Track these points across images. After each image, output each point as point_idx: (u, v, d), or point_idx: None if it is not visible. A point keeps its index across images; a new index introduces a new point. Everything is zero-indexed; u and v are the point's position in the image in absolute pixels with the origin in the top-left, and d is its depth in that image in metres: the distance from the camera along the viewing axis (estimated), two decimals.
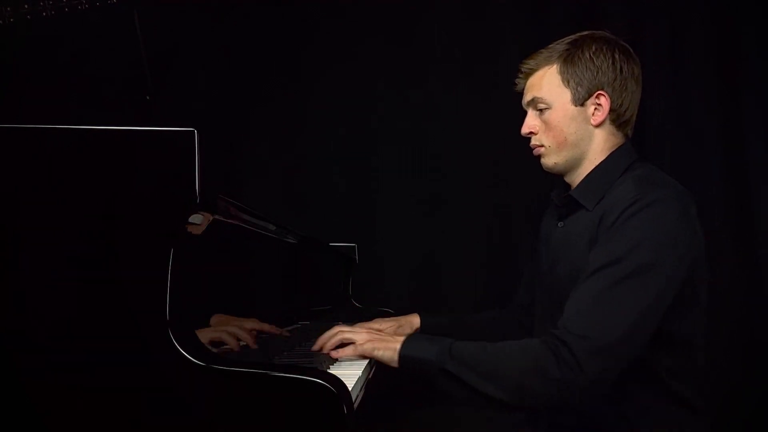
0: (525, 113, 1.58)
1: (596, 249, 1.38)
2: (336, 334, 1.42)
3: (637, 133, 2.48)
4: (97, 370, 1.01)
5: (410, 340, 1.40)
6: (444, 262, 2.63)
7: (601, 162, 1.51)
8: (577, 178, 1.54)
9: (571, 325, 1.30)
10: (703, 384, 1.49)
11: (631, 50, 1.53)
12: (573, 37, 1.54)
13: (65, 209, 1.03)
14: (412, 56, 2.67)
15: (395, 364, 1.38)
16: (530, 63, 1.56)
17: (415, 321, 1.83)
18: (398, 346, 1.38)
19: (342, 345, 1.42)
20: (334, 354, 1.40)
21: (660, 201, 1.36)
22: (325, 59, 2.70)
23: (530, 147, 1.58)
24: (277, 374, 1.00)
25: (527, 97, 1.56)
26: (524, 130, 1.57)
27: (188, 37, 2.58)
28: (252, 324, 1.38)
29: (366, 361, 1.42)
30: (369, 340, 1.39)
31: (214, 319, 1.26)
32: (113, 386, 1.01)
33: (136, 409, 1.01)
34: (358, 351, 1.38)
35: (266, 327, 1.43)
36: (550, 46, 1.55)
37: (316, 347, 1.43)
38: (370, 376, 1.42)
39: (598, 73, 1.48)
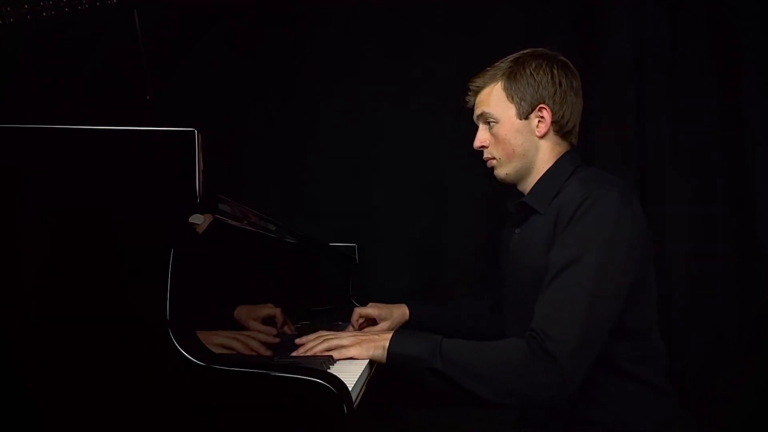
0: (477, 128, 1.68)
1: (554, 250, 1.44)
2: (322, 341, 1.45)
3: (637, 135, 2.51)
4: (98, 369, 1.01)
5: (398, 337, 1.45)
6: (444, 263, 2.63)
7: (549, 168, 1.60)
8: (528, 185, 1.63)
9: (546, 327, 1.36)
10: (668, 369, 1.55)
11: (570, 65, 1.63)
12: (515, 55, 1.64)
13: (65, 209, 1.03)
14: (413, 58, 2.67)
15: (384, 362, 1.43)
16: (477, 81, 1.66)
17: (405, 311, 1.92)
18: (386, 343, 1.43)
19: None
20: (321, 355, 1.42)
21: (604, 198, 1.43)
22: (326, 59, 2.70)
23: (483, 160, 1.68)
24: (277, 374, 1.00)
25: (477, 112, 1.67)
26: (476, 144, 1.67)
27: (188, 37, 2.58)
28: (269, 311, 1.40)
29: (366, 361, 1.42)
30: (357, 342, 1.44)
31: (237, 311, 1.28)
32: (113, 386, 1.01)
33: (137, 408, 1.01)
34: (343, 354, 1.42)
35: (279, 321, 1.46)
36: (495, 64, 1.65)
37: (300, 351, 1.43)
38: (370, 376, 1.42)
39: (538, 87, 1.58)
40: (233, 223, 1.23)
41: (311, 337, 1.47)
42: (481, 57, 1.71)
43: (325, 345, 1.44)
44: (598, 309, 1.38)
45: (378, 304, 1.91)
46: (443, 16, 2.66)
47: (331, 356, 1.41)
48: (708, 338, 2.40)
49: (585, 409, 1.45)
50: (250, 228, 1.36)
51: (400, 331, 1.48)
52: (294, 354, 1.42)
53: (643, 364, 1.49)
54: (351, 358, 1.41)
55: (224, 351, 1.24)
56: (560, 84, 1.58)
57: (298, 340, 1.47)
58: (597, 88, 2.42)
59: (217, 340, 1.20)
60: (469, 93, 1.68)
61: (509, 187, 1.69)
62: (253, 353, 1.30)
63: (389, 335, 1.45)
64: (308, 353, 1.42)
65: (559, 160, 1.60)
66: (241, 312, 1.36)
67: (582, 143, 1.69)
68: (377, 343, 1.43)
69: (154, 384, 1.00)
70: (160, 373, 1.00)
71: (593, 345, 1.38)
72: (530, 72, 1.58)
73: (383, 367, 1.45)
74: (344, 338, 1.46)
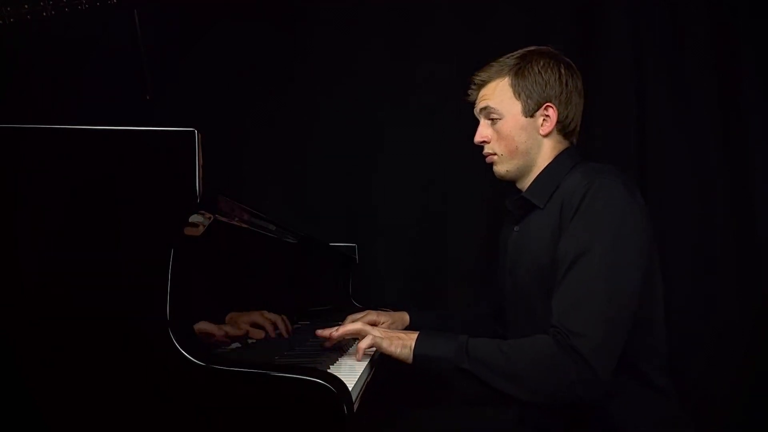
0: (477, 123, 1.66)
1: (563, 242, 1.43)
2: (355, 321, 1.49)
3: (637, 135, 2.51)
4: (98, 369, 1.01)
5: (424, 338, 1.43)
6: (444, 263, 2.63)
7: (549, 164, 1.59)
8: (526, 183, 1.62)
9: (568, 323, 1.34)
10: (667, 369, 1.53)
11: (573, 65, 1.62)
12: (521, 51, 1.62)
13: (65, 209, 1.03)
14: (413, 58, 2.68)
15: (410, 362, 1.42)
16: (482, 75, 1.64)
17: (405, 318, 1.88)
18: (413, 343, 1.42)
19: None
20: (360, 346, 1.44)
21: (608, 186, 1.42)
22: (327, 59, 2.70)
23: (483, 155, 1.66)
24: (277, 374, 1.00)
25: (480, 105, 1.65)
26: (477, 138, 1.65)
27: (188, 37, 2.58)
28: (258, 318, 1.39)
29: (366, 362, 1.42)
30: (385, 337, 1.44)
31: (228, 317, 1.27)
32: (114, 386, 1.01)
33: (137, 408, 1.01)
34: (376, 342, 1.42)
35: (269, 323, 1.45)
36: (500, 59, 1.63)
37: (336, 332, 1.47)
38: (370, 376, 1.42)
39: (546, 86, 1.57)
40: (233, 222, 1.23)
41: (346, 327, 1.49)
42: (481, 57, 1.71)
43: (360, 326, 1.47)
44: (617, 298, 1.36)
45: (376, 311, 1.87)
46: (443, 16, 2.66)
47: (331, 356, 1.41)
48: (708, 338, 2.40)
49: (584, 409, 1.45)
50: (250, 228, 1.36)
51: (426, 332, 1.46)
52: (330, 333, 1.47)
53: (644, 360, 1.47)
54: (376, 347, 1.43)
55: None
56: (566, 84, 1.57)
57: (319, 332, 1.50)
58: (597, 88, 2.42)
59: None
60: (473, 87, 1.66)
61: (508, 185, 1.69)
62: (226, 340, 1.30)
63: (415, 335, 1.43)
64: (342, 331, 1.46)
65: (558, 156, 1.59)
66: (231, 319, 1.35)
67: (582, 143, 1.69)
68: (404, 342, 1.42)
69: (154, 384, 1.00)
70: (160, 373, 1.00)
71: (618, 335, 1.36)
72: (538, 70, 1.57)
73: (384, 367, 1.45)
74: (374, 328, 1.47)
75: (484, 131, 1.63)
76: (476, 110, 1.66)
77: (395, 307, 2.21)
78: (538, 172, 1.60)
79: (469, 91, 1.67)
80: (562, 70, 1.58)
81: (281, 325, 1.51)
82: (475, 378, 1.37)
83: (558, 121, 1.58)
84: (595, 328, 1.33)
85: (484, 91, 1.63)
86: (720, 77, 2.46)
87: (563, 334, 1.33)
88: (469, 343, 1.39)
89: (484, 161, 1.66)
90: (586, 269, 1.37)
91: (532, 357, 1.36)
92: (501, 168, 1.63)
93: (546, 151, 1.60)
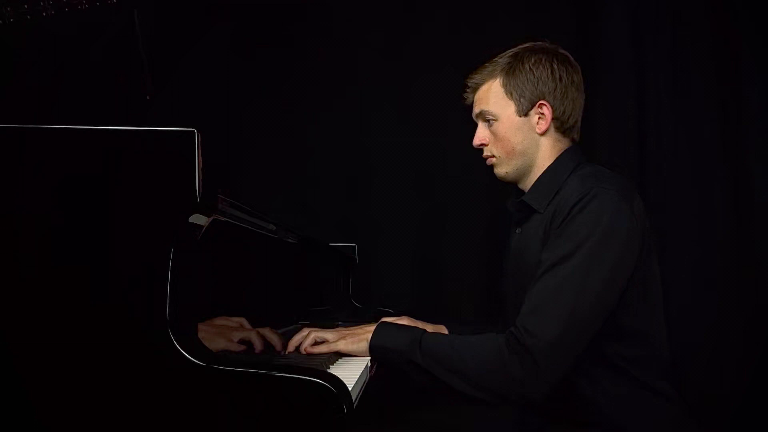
0: (476, 125, 1.65)
1: (546, 247, 1.43)
2: (309, 334, 1.45)
3: (637, 135, 2.51)
4: (97, 370, 1.01)
5: (381, 330, 1.45)
6: (444, 262, 2.63)
7: (549, 166, 1.58)
8: (528, 183, 1.61)
9: (526, 323, 1.36)
10: (669, 373, 1.53)
11: (571, 58, 1.59)
12: (514, 49, 1.60)
13: (65, 209, 1.03)
14: (413, 58, 2.68)
15: (366, 355, 1.43)
16: (475, 78, 1.63)
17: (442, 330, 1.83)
18: (369, 336, 1.44)
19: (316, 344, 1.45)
20: (309, 350, 1.41)
21: (601, 195, 1.41)
22: (327, 59, 2.70)
23: (483, 158, 1.65)
24: (277, 374, 1.00)
25: (475, 111, 1.64)
26: (475, 142, 1.64)
27: (188, 37, 2.58)
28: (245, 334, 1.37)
29: (366, 361, 1.42)
30: (341, 337, 1.44)
31: (217, 321, 1.27)
32: (113, 386, 1.01)
33: (136, 409, 1.01)
34: (331, 348, 1.42)
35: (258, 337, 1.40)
36: (493, 59, 1.62)
37: (290, 348, 1.42)
38: (370, 376, 1.42)
39: (538, 83, 1.55)
40: (233, 222, 1.23)
41: (296, 336, 1.45)
42: (481, 58, 1.70)
43: (313, 336, 1.43)
44: (584, 307, 1.36)
45: (410, 319, 1.80)
46: (443, 16, 2.66)
47: (331, 356, 1.41)
48: (708, 339, 2.40)
49: (583, 411, 1.44)
50: (250, 228, 1.36)
51: (384, 324, 1.48)
52: (285, 353, 1.42)
53: (641, 366, 1.46)
54: (335, 351, 1.42)
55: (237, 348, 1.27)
56: (560, 79, 1.55)
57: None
58: (597, 88, 2.43)
59: (231, 338, 1.22)
60: (467, 90, 1.65)
61: (509, 186, 1.68)
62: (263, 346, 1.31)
63: (372, 328, 1.45)
64: (302, 349, 1.41)
65: (559, 157, 1.57)
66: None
67: (582, 144, 1.69)
68: (360, 337, 1.44)
69: (154, 384, 1.00)
70: (160, 373, 1.00)
71: (574, 342, 1.36)
72: (529, 67, 1.55)
73: (384, 366, 1.45)
74: (328, 333, 1.46)
75: (481, 133, 1.62)
76: (473, 114, 1.65)
77: (396, 307, 2.21)
78: (539, 173, 1.58)
79: (465, 95, 1.66)
80: (555, 65, 1.55)
81: (275, 340, 1.42)
82: (426, 372, 1.39)
83: (554, 118, 1.56)
84: (549, 329, 1.34)
85: (478, 95, 1.62)
86: (720, 77, 2.46)
87: (518, 333, 1.35)
88: (423, 336, 1.41)
89: (485, 163, 1.66)
90: (557, 276, 1.37)
91: (479, 353, 1.38)
92: (501, 170, 1.62)
93: (545, 150, 1.58)
